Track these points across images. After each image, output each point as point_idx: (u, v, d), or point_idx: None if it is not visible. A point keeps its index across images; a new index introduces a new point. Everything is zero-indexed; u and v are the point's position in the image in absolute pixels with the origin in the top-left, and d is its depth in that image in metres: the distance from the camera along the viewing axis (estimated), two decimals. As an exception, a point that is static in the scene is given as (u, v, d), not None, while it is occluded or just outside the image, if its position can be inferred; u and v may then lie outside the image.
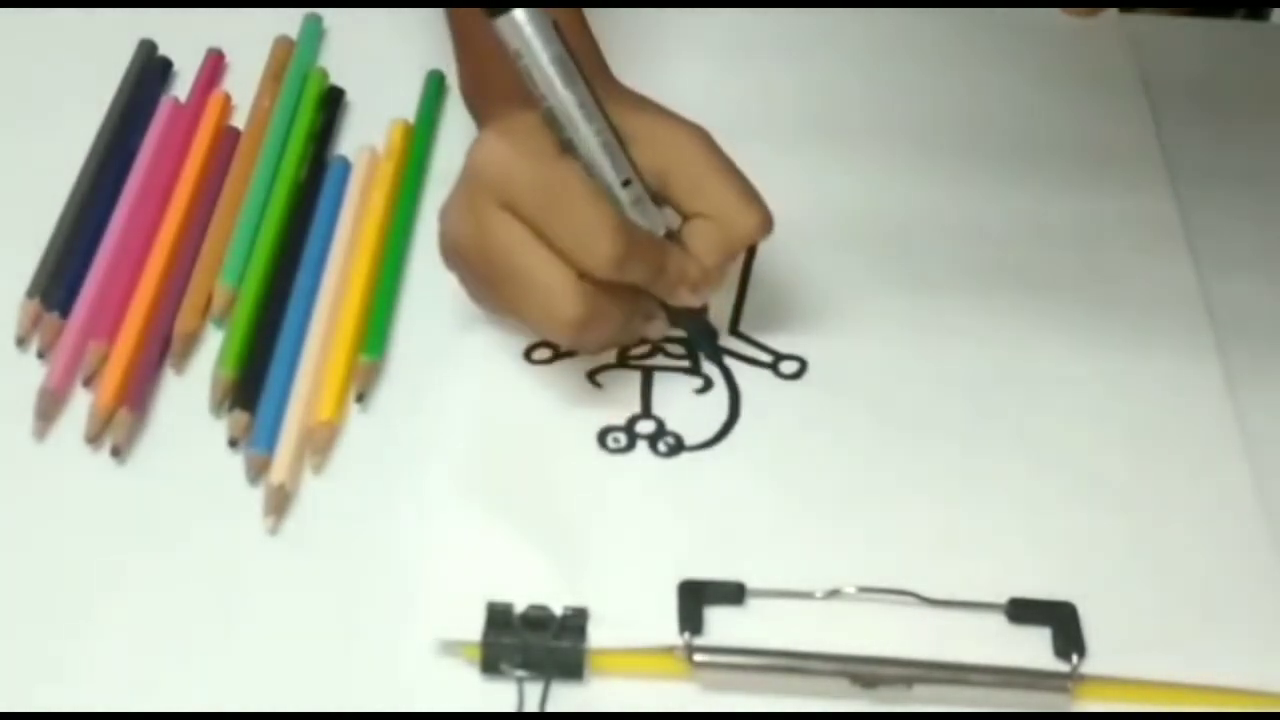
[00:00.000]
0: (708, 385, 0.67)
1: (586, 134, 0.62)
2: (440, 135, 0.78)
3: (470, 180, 0.62)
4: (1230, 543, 0.62)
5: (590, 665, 0.58)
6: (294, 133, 0.77)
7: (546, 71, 0.61)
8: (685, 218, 0.64)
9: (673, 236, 0.64)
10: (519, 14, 0.60)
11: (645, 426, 0.65)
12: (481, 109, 0.72)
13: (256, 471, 0.64)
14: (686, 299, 0.65)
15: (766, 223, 0.64)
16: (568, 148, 0.62)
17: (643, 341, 0.67)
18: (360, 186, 0.74)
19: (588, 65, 0.63)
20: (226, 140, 0.77)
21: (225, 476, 0.64)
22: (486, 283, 0.64)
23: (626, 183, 0.63)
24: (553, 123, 0.62)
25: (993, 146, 0.78)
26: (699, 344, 0.67)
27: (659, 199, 0.64)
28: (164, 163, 0.75)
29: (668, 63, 0.78)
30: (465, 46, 0.74)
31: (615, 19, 0.76)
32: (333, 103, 0.79)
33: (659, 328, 0.67)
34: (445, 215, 0.64)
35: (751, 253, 0.72)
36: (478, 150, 0.62)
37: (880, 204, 0.75)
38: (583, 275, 0.61)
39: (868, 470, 0.64)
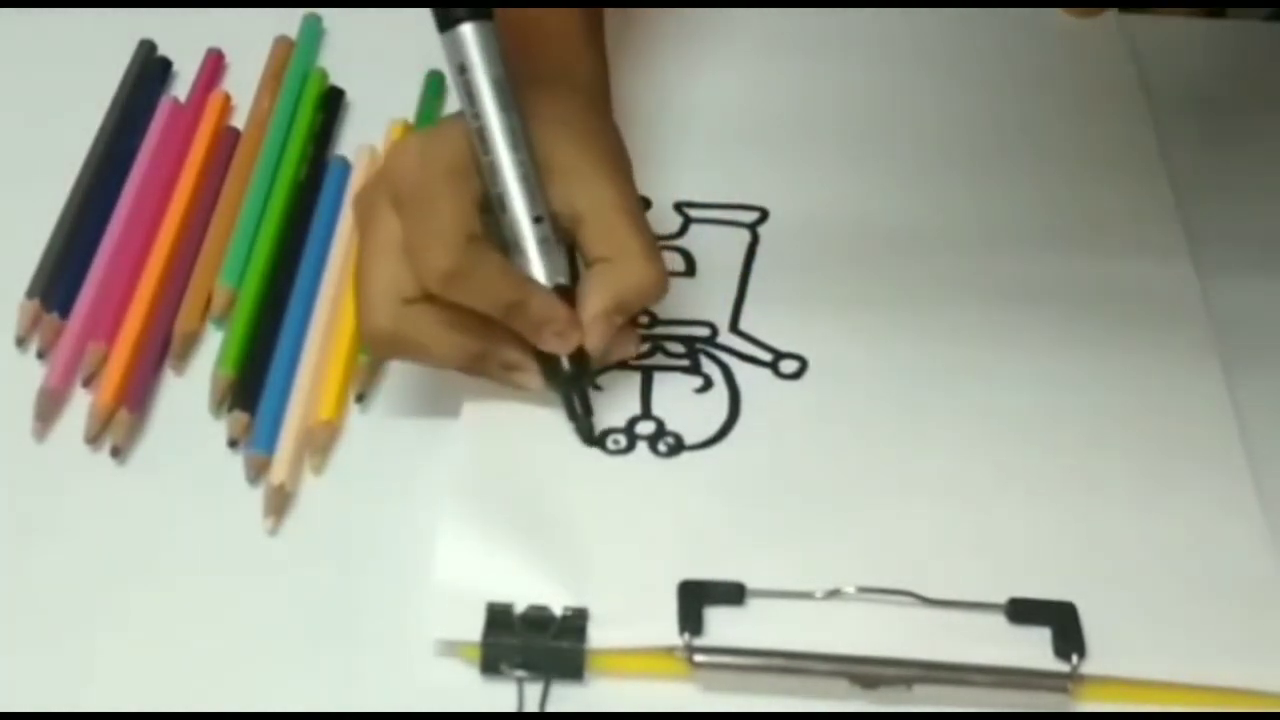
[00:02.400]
0: (708, 385, 0.67)
1: (508, 162, 0.61)
2: (440, 135, 0.78)
3: (379, 172, 0.63)
4: (1230, 543, 0.62)
5: (590, 665, 0.58)
6: (294, 133, 0.77)
7: (483, 92, 0.61)
8: (588, 264, 0.63)
9: (567, 291, 0.63)
10: (466, 29, 0.61)
11: (645, 427, 0.65)
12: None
13: (256, 471, 0.64)
14: (551, 344, 0.62)
15: (660, 282, 0.63)
16: (485, 172, 0.62)
17: (519, 387, 0.65)
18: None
19: (574, 80, 0.64)
20: (226, 140, 0.77)
21: (225, 476, 0.64)
22: None
23: (538, 219, 0.62)
24: (478, 143, 0.62)
25: (993, 146, 0.78)
26: (566, 399, 0.64)
27: (568, 238, 0.63)
28: (164, 163, 0.75)
29: (665, 63, 0.78)
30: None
31: (628, 19, 0.76)
32: (333, 103, 0.79)
33: (531, 380, 0.64)
34: (356, 195, 0.65)
35: (752, 253, 0.72)
36: (393, 147, 0.64)
37: (880, 203, 0.75)
38: (418, 294, 0.60)
39: (868, 470, 0.64)
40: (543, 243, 0.62)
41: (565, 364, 0.63)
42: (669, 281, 0.64)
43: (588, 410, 0.64)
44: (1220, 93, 0.82)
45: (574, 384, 0.64)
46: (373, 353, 0.65)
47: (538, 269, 0.62)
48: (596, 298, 0.63)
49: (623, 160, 0.65)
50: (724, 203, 0.74)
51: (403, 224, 0.61)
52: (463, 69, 0.62)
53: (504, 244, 0.62)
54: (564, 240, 0.63)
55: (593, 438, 0.64)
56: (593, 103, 0.68)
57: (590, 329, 0.63)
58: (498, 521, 0.61)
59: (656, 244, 0.64)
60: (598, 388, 0.66)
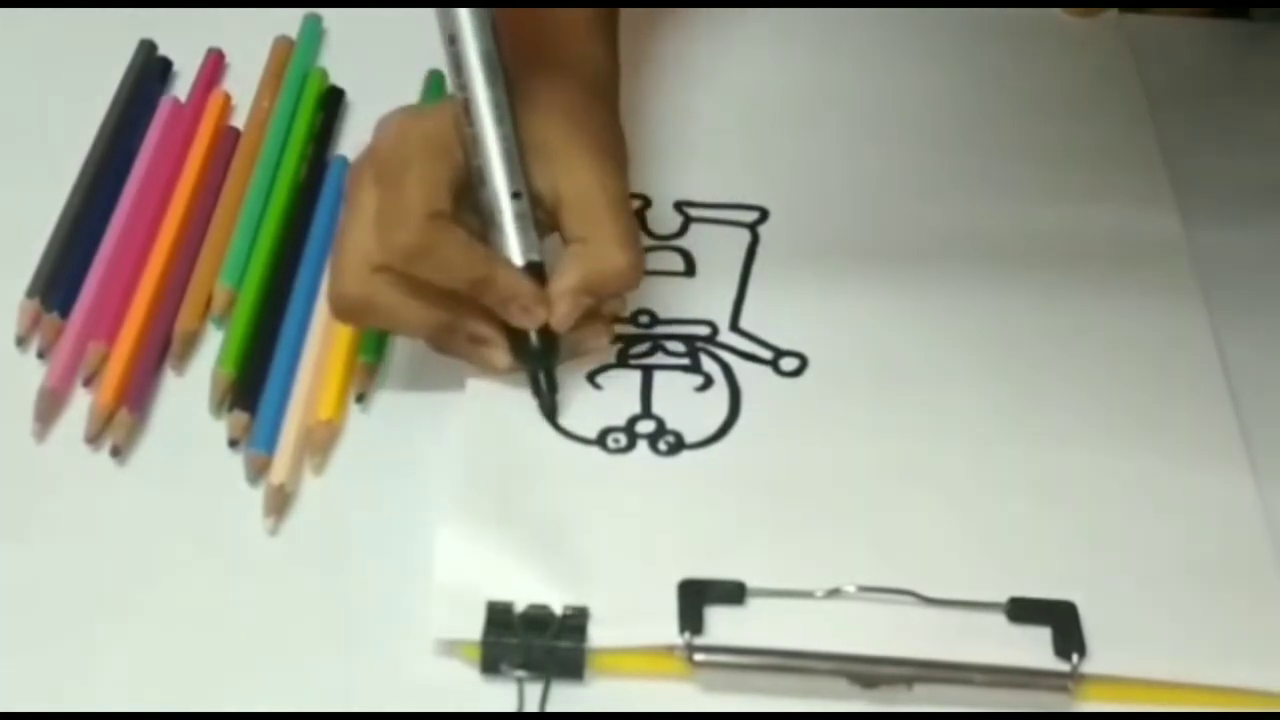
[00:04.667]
0: (708, 383, 0.67)
1: (490, 136, 0.62)
2: (440, 135, 0.78)
3: (368, 146, 0.64)
4: (1230, 543, 0.62)
5: (590, 665, 0.58)
6: (294, 133, 0.77)
7: (471, 64, 0.62)
8: (565, 245, 0.64)
9: (538, 268, 0.63)
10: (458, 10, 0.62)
11: (645, 426, 0.65)
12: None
13: (256, 471, 0.64)
14: (518, 319, 0.63)
15: (632, 270, 0.63)
16: (468, 145, 0.62)
17: (489, 371, 0.65)
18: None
19: (577, 69, 0.65)
20: (226, 140, 0.77)
21: (225, 476, 0.64)
22: None
23: (516, 195, 0.63)
24: (462, 116, 0.62)
25: (993, 146, 0.78)
26: (532, 376, 0.65)
27: (551, 220, 0.64)
28: (164, 163, 0.75)
29: (665, 63, 0.78)
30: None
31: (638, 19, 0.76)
32: (333, 103, 0.79)
33: (499, 356, 0.64)
34: (351, 164, 0.66)
35: (752, 252, 0.72)
36: (381, 118, 0.64)
37: (880, 202, 0.75)
38: (385, 264, 0.61)
39: (868, 468, 0.64)
40: (519, 218, 0.63)
41: (534, 339, 0.64)
42: (641, 272, 0.64)
43: (553, 387, 0.65)
44: (1220, 93, 0.82)
45: (540, 360, 0.64)
46: (339, 317, 0.65)
47: (513, 244, 0.63)
48: (566, 276, 0.63)
49: (615, 149, 0.66)
50: (724, 202, 0.74)
51: (377, 197, 0.62)
52: (452, 40, 0.62)
53: (483, 220, 0.63)
54: (547, 222, 0.64)
55: (555, 415, 0.65)
56: (594, 92, 0.68)
57: (556, 304, 0.63)
58: (498, 521, 0.61)
59: (637, 233, 0.64)
60: (597, 387, 0.66)
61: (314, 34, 0.83)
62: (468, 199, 0.63)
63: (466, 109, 0.62)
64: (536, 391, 0.65)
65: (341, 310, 0.64)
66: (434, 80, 0.80)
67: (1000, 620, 0.59)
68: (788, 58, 0.83)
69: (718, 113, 0.71)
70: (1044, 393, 0.67)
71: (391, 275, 0.62)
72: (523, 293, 0.63)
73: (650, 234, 0.72)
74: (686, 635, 0.58)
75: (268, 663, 0.58)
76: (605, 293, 0.65)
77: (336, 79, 0.81)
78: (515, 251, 0.63)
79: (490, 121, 0.62)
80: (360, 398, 0.67)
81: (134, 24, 0.82)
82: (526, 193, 0.63)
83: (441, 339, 0.64)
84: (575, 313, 0.64)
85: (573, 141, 0.64)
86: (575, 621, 0.58)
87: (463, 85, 0.62)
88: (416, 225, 0.61)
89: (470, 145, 0.62)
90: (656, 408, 0.66)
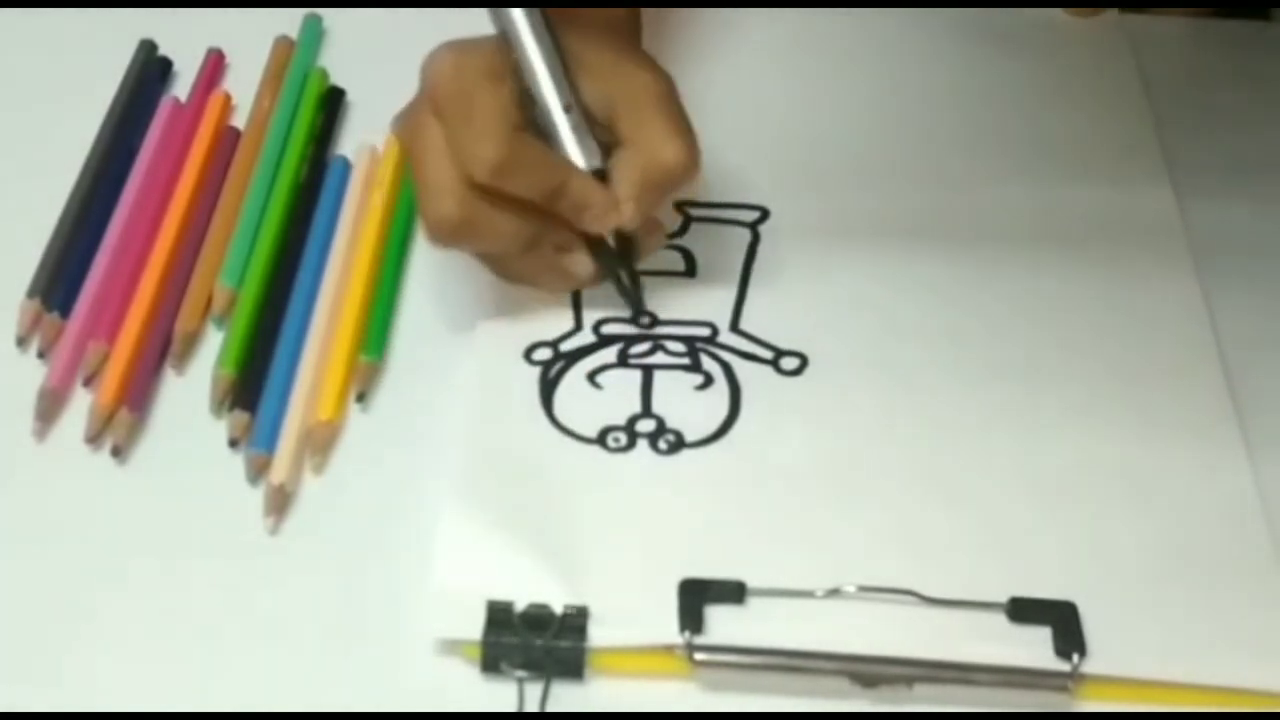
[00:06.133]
0: (708, 381, 0.67)
1: (535, 55, 0.64)
2: (440, 135, 0.78)
3: (419, 88, 0.65)
4: (1230, 543, 0.62)
5: (590, 665, 0.58)
6: (294, 133, 0.77)
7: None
8: (621, 148, 0.65)
9: (602, 175, 0.65)
10: None
11: (645, 425, 0.65)
12: None
13: (256, 471, 0.64)
14: (592, 225, 0.65)
15: (690, 158, 0.65)
16: (516, 69, 0.64)
17: (572, 283, 0.68)
18: (360, 186, 0.74)
19: (606, 16, 0.67)
20: (226, 140, 0.77)
21: (225, 476, 0.64)
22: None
23: (568, 108, 0.64)
24: (505, 43, 0.64)
25: (993, 145, 0.78)
26: (615, 277, 0.68)
27: (608, 130, 0.65)
28: (164, 163, 0.75)
29: (665, 64, 0.78)
30: None
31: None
32: (333, 103, 0.79)
33: (582, 262, 0.67)
34: (397, 117, 0.66)
35: (752, 251, 0.72)
36: (427, 59, 0.65)
37: (880, 202, 0.75)
38: (473, 183, 0.63)
39: (868, 468, 0.64)
40: (575, 130, 0.65)
41: (610, 242, 0.66)
42: (697, 160, 0.65)
43: (636, 284, 0.68)
44: (1220, 92, 0.82)
45: (621, 262, 0.67)
46: (441, 242, 0.65)
47: (574, 153, 0.65)
48: (624, 178, 0.65)
49: (651, 59, 0.67)
50: (724, 202, 0.74)
51: (445, 129, 0.63)
52: None
53: (545, 139, 0.65)
54: (606, 139, 0.65)
55: (642, 308, 0.68)
56: (631, 24, 0.71)
57: (623, 209, 0.65)
58: (498, 520, 0.61)
59: (687, 123, 0.65)
60: (598, 386, 0.66)
61: (314, 34, 0.83)
62: (529, 122, 0.64)
63: (507, 35, 0.64)
64: (622, 292, 0.68)
65: (444, 233, 0.64)
66: (434, 80, 0.80)
67: (1000, 620, 0.59)
68: (788, 58, 0.83)
69: (718, 112, 0.71)
70: (1044, 393, 0.67)
71: (481, 192, 0.63)
72: (596, 200, 0.64)
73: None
74: (686, 635, 0.58)
75: (267, 663, 0.58)
76: (667, 186, 0.66)
77: (336, 79, 0.81)
78: (578, 160, 0.65)
79: (533, 41, 0.64)
80: (360, 398, 0.67)
81: (134, 24, 0.82)
82: (577, 105, 0.64)
83: (530, 254, 0.66)
84: (643, 212, 0.65)
85: (616, 51, 0.66)
86: (575, 621, 0.58)
87: (498, 13, 0.64)
88: (500, 139, 0.62)
89: (520, 68, 0.64)
90: (656, 407, 0.66)
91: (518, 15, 0.64)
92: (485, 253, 0.67)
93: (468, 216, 0.64)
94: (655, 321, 0.69)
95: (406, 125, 0.65)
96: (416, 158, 0.65)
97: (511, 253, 0.66)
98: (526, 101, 0.64)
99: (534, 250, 0.66)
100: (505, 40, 0.64)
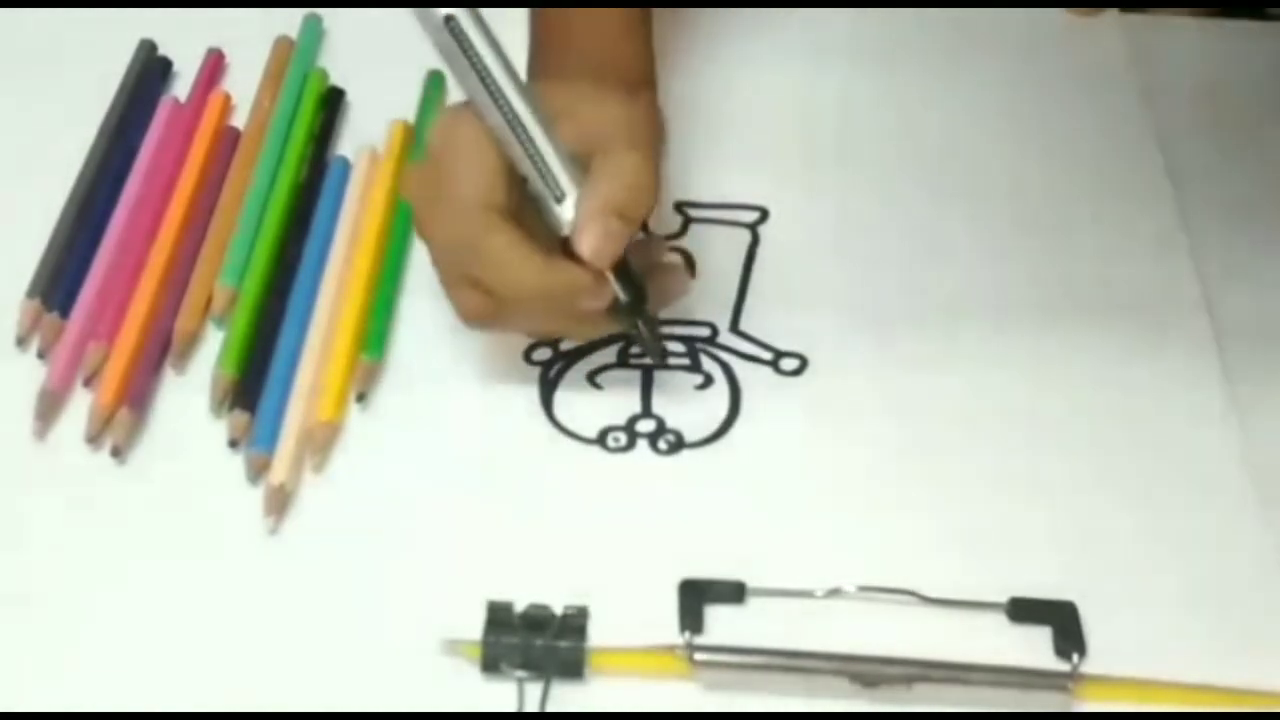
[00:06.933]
0: (708, 382, 0.67)
1: (515, 118, 0.60)
2: (440, 135, 0.78)
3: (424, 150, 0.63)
4: (1230, 543, 0.62)
5: (590, 665, 0.58)
6: (294, 133, 0.77)
7: (474, 59, 0.61)
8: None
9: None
10: (459, 13, 0.60)
11: (645, 425, 0.65)
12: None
13: (256, 471, 0.64)
14: (589, 305, 0.62)
15: (647, 179, 0.61)
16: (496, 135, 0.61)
17: (601, 333, 0.66)
18: (360, 186, 0.74)
19: (617, 67, 0.66)
20: (226, 140, 0.77)
21: (225, 476, 0.64)
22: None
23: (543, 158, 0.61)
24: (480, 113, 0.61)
25: (992, 146, 0.78)
26: (634, 331, 0.65)
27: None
28: (164, 163, 0.75)
29: (665, 64, 0.78)
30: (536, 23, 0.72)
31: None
32: (333, 103, 0.79)
33: (599, 326, 0.65)
34: (402, 183, 0.65)
35: (752, 252, 0.72)
36: (434, 125, 0.63)
37: (879, 203, 0.75)
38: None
39: (868, 468, 0.64)
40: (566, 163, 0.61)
41: (620, 296, 0.63)
42: (653, 186, 0.62)
43: (655, 333, 0.65)
44: (1220, 92, 0.82)
45: (634, 313, 0.64)
46: (471, 328, 0.64)
47: (568, 217, 0.61)
48: (585, 202, 0.61)
49: (648, 118, 0.66)
50: (724, 203, 0.74)
51: (428, 193, 0.62)
52: (451, 46, 0.61)
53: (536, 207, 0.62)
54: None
55: (663, 357, 0.66)
56: (629, 85, 0.68)
57: (583, 234, 0.61)
58: (498, 520, 0.61)
59: (652, 150, 0.63)
60: (598, 386, 0.66)
61: (314, 34, 0.83)
62: (518, 182, 0.62)
63: (474, 105, 0.61)
64: (641, 343, 0.65)
65: (476, 324, 0.63)
66: (433, 80, 0.80)
67: (1000, 620, 0.59)
68: (788, 58, 0.83)
69: (719, 113, 0.71)
70: (1044, 392, 0.67)
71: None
72: (581, 283, 0.62)
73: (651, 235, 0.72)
74: (686, 635, 0.58)
75: (267, 663, 0.58)
76: (629, 211, 0.62)
77: (336, 79, 0.81)
78: (566, 220, 0.61)
79: (515, 104, 0.60)
80: (360, 398, 0.67)
81: (134, 24, 0.82)
82: (558, 158, 0.61)
83: (553, 325, 0.65)
84: (610, 239, 0.61)
85: (597, 95, 0.63)
86: (575, 621, 0.58)
87: (467, 86, 0.61)
88: (468, 217, 0.60)
89: (498, 135, 0.61)
90: (657, 407, 0.66)
91: (473, 85, 0.60)
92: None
93: (490, 308, 0.62)
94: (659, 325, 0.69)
95: (404, 190, 0.64)
96: (422, 237, 0.63)
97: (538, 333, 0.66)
98: (518, 156, 0.61)
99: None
100: (478, 110, 0.61)
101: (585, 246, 0.61)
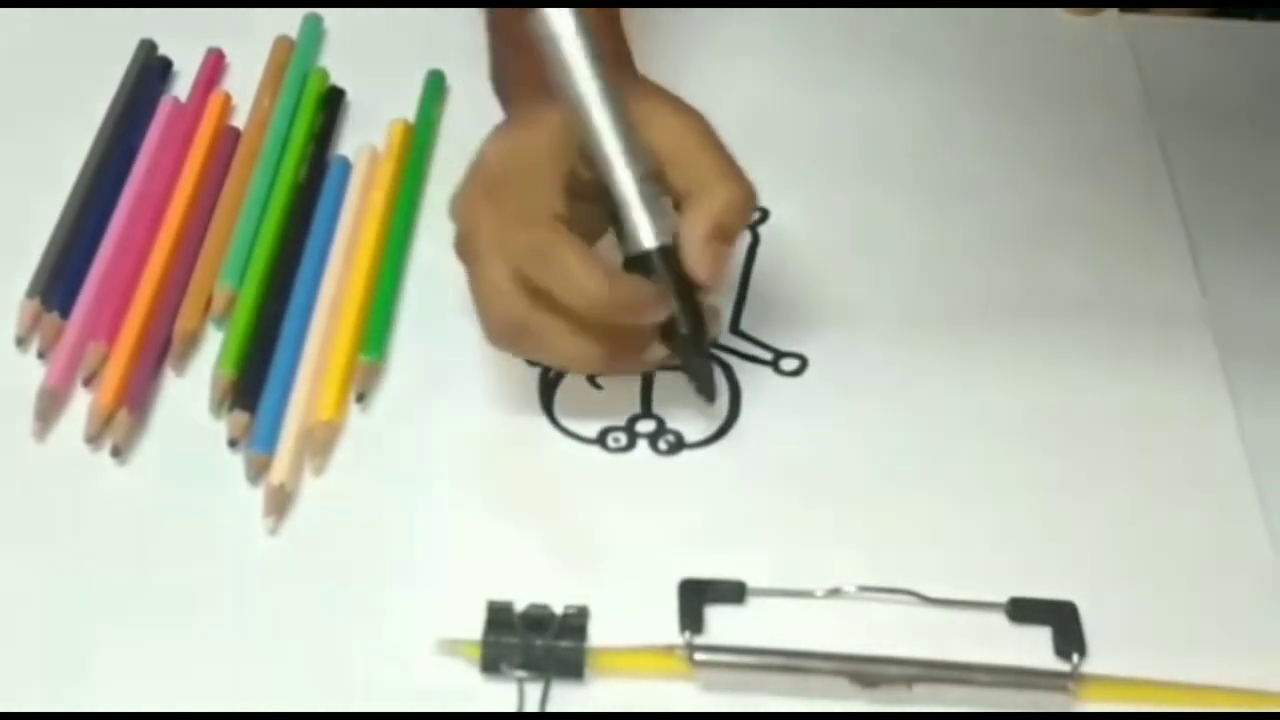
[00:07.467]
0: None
1: (607, 127, 0.61)
2: (440, 135, 0.78)
3: (474, 170, 0.63)
4: (1230, 543, 0.62)
5: (590, 665, 0.58)
6: (294, 133, 0.77)
7: (578, 60, 0.61)
8: (677, 201, 0.63)
9: (667, 253, 0.62)
10: (554, 10, 0.61)
11: (645, 426, 0.65)
12: (509, 95, 0.71)
13: (256, 471, 0.63)
14: (648, 319, 0.62)
15: (747, 196, 0.62)
16: (585, 147, 0.61)
17: (648, 369, 0.66)
18: (360, 186, 0.74)
19: (614, 60, 0.64)
20: (226, 140, 0.77)
21: (225, 476, 0.64)
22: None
23: (643, 178, 0.62)
24: (573, 120, 0.61)
25: (992, 146, 0.78)
26: (687, 364, 0.64)
27: (659, 183, 0.63)
28: (164, 163, 0.75)
29: (665, 64, 0.78)
30: (498, 33, 0.73)
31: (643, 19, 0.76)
32: (333, 103, 0.79)
33: (654, 349, 0.64)
34: (453, 205, 0.64)
35: (752, 252, 0.72)
36: (487, 144, 0.63)
37: (879, 203, 0.75)
38: (530, 285, 0.61)
39: (868, 469, 0.64)
40: (647, 201, 0.62)
41: (683, 327, 0.62)
42: (753, 198, 0.62)
43: (708, 369, 0.64)
44: (1220, 93, 0.82)
45: (694, 345, 0.63)
46: (499, 346, 0.64)
47: (644, 228, 0.62)
48: (692, 229, 0.62)
49: (678, 99, 0.65)
50: (724, 203, 0.74)
51: (500, 220, 0.61)
52: (553, 39, 0.61)
53: (609, 214, 0.62)
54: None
55: (714, 397, 0.64)
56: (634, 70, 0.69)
57: (697, 261, 0.61)
58: (498, 521, 0.61)
59: (734, 160, 0.63)
60: (598, 387, 0.66)
61: (314, 34, 0.83)
62: (581, 204, 0.62)
63: (574, 105, 0.61)
64: (695, 377, 0.64)
65: (505, 338, 0.63)
66: (433, 80, 0.80)
67: (1000, 620, 0.59)
68: (788, 58, 0.83)
69: (718, 113, 0.71)
70: (1043, 392, 0.67)
71: (538, 296, 0.61)
72: (647, 297, 0.62)
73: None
74: (686, 635, 0.58)
75: (267, 662, 0.58)
76: (733, 229, 0.63)
77: (336, 79, 0.81)
78: (649, 235, 0.62)
79: (605, 112, 0.61)
80: (360, 398, 0.67)
81: (134, 24, 0.82)
82: (651, 173, 0.62)
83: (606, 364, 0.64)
84: (715, 261, 0.62)
85: (649, 106, 0.63)
86: (575, 621, 0.58)
87: (570, 82, 0.61)
88: (545, 227, 0.60)
89: (589, 139, 0.61)
90: (656, 407, 0.66)
91: (590, 86, 0.61)
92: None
93: (527, 321, 0.61)
94: None
95: (457, 213, 0.63)
96: (471, 251, 0.62)
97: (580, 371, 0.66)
98: (598, 171, 0.62)
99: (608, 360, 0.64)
100: (574, 112, 0.61)
101: (702, 270, 0.62)
